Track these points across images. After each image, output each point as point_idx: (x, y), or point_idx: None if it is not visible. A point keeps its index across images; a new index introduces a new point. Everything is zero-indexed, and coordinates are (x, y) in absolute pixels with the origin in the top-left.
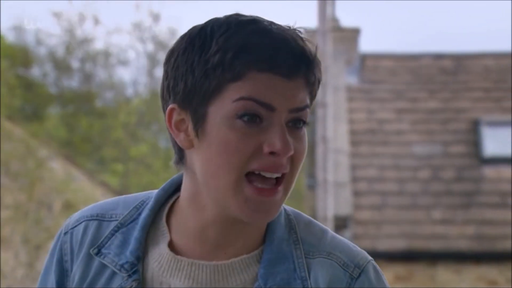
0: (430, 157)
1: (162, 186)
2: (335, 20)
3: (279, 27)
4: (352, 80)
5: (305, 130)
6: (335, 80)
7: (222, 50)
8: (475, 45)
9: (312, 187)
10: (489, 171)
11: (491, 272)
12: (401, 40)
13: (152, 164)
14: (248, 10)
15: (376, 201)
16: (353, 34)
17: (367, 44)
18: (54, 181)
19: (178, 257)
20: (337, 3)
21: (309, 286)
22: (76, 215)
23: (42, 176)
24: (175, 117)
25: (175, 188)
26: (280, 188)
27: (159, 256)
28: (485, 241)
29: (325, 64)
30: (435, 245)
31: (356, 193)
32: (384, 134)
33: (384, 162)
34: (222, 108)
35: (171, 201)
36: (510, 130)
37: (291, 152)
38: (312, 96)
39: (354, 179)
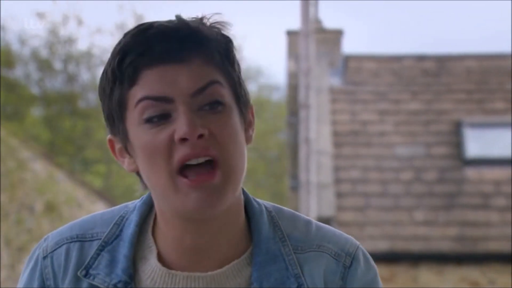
0: (412, 158)
1: (141, 198)
2: (318, 21)
3: (167, 21)
4: (335, 81)
5: (227, 110)
6: (318, 82)
7: (111, 61)
8: (458, 47)
9: (295, 188)
10: (471, 173)
11: (473, 273)
12: (384, 41)
13: None
14: (231, 11)
15: (359, 203)
16: (336, 35)
17: (350, 46)
18: (36, 182)
19: (172, 271)
20: (320, 5)
21: (304, 282)
22: (52, 238)
23: (24, 177)
24: (116, 147)
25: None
26: (218, 172)
27: (151, 272)
28: (467, 242)
29: (308, 65)
30: (417, 247)
31: (339, 195)
32: (367, 136)
33: (367, 163)
34: (132, 117)
35: (153, 215)
36: (492, 131)
37: (199, 132)
38: (224, 71)
39: (337, 181)
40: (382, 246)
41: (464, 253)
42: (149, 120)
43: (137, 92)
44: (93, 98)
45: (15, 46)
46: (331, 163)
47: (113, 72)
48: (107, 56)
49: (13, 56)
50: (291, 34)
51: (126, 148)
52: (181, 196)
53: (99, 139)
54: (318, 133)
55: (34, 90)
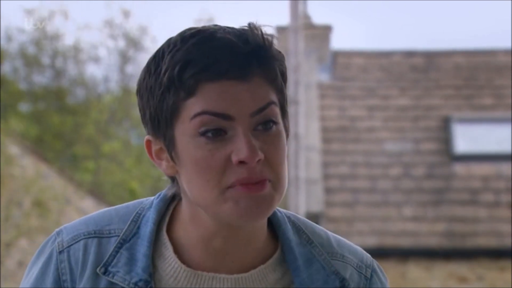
0: (401, 154)
1: (159, 195)
2: (307, 17)
3: (227, 30)
4: (324, 77)
5: (278, 128)
6: (307, 78)
7: (170, 68)
8: (446, 43)
9: None
10: (460, 168)
11: (461, 268)
12: (373, 37)
13: (124, 161)
14: (220, 9)
15: (348, 198)
16: (325, 31)
17: (338, 42)
18: (25, 178)
19: (198, 272)
20: (309, 1)
21: (344, 278)
22: (67, 233)
23: (12, 174)
24: (153, 147)
25: (172, 197)
26: (267, 184)
27: (174, 271)
28: (456, 238)
29: (297, 61)
30: (406, 242)
31: (328, 190)
32: (355, 131)
33: (355, 159)
34: (184, 128)
35: (169, 212)
36: (480, 127)
37: (258, 157)
38: (279, 90)
39: (326, 176)
40: (371, 241)
41: (453, 249)
42: (204, 134)
43: (195, 104)
44: (81, 94)
45: (1, 42)
46: (320, 159)
47: (170, 79)
48: (95, 51)
49: (0, 52)
50: (279, 30)
51: (170, 154)
52: (231, 205)
53: (87, 135)
54: (307, 128)
55: (22, 86)
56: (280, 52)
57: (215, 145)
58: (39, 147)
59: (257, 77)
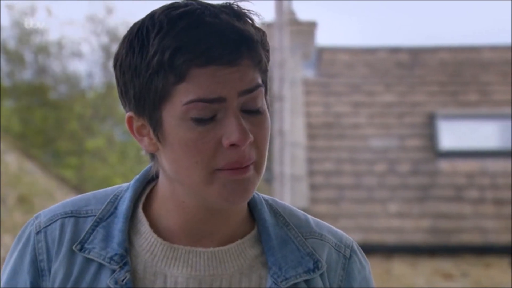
0: (386, 150)
1: (136, 177)
2: (292, 13)
3: (213, 12)
4: (309, 73)
5: (265, 109)
6: (292, 74)
7: (159, 52)
8: (431, 39)
9: (268, 180)
10: (444, 165)
11: (446, 265)
12: (358, 33)
13: (107, 158)
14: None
15: (333, 195)
16: (310, 27)
17: (323, 38)
18: (8, 174)
19: (175, 245)
20: None
21: (318, 259)
22: (44, 215)
23: None
24: (135, 123)
25: (149, 179)
26: (251, 167)
27: (150, 246)
28: (441, 234)
29: (282, 57)
30: (391, 239)
31: (313, 187)
32: (340, 128)
33: (340, 155)
34: (175, 111)
35: (146, 191)
36: (466, 123)
37: (250, 140)
38: (263, 72)
39: (311, 173)
40: (356, 238)
41: (437, 245)
42: (196, 119)
43: (188, 90)
44: (64, 90)
45: None
46: (305, 155)
47: (159, 63)
48: (78, 47)
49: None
50: (264, 26)
51: (156, 133)
52: (217, 187)
53: (71, 131)
54: (292, 125)
55: (5, 82)
56: (261, 30)
57: (205, 127)
58: (22, 142)
59: (245, 61)
